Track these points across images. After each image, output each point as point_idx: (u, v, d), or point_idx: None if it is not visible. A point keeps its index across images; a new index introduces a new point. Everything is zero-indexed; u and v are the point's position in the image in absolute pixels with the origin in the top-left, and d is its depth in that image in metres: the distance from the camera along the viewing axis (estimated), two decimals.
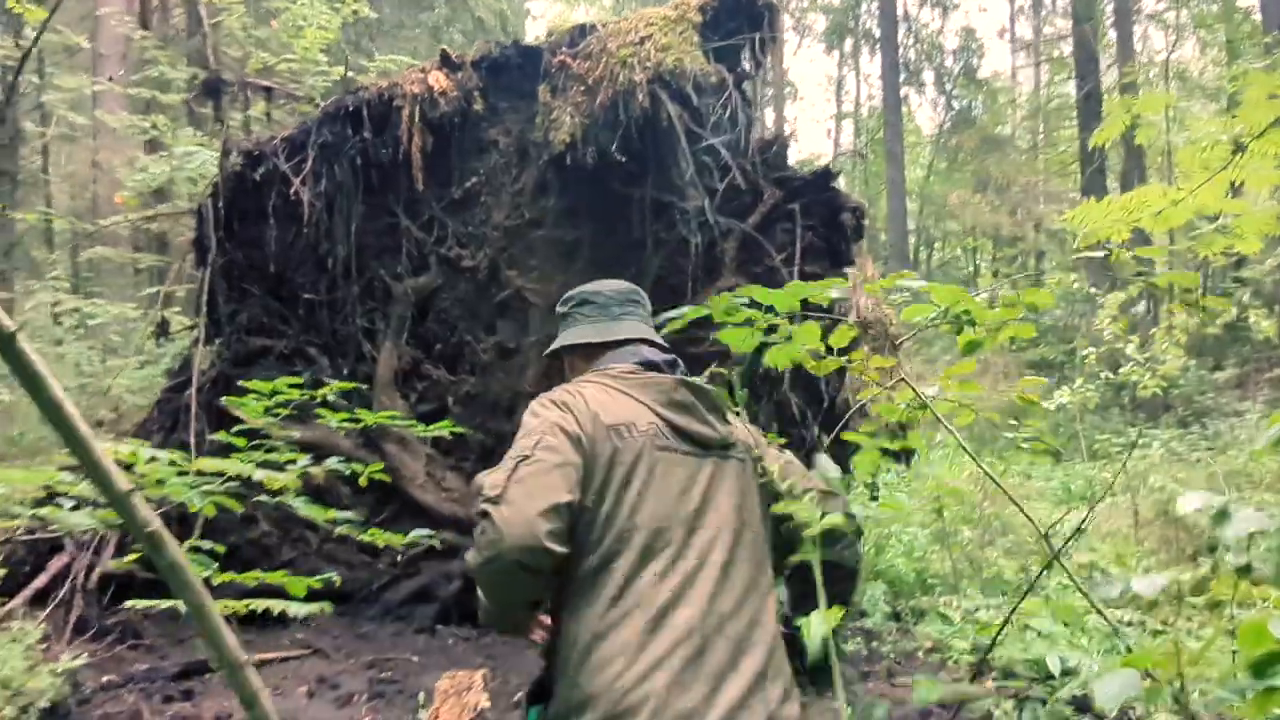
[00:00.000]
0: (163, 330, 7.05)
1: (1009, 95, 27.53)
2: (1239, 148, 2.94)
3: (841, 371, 6.43)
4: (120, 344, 9.22)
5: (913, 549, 7.01)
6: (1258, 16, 18.31)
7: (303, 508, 2.70)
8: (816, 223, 6.52)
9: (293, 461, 2.91)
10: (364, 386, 6.99)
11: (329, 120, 6.72)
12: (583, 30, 6.50)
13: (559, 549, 1.60)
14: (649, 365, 1.94)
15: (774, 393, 6.50)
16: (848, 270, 6.48)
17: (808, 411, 6.45)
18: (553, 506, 1.60)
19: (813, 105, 61.38)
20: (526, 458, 1.65)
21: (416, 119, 6.52)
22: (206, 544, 2.60)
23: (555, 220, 6.68)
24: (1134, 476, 7.85)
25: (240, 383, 6.93)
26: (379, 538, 2.87)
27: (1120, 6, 19.04)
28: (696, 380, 1.92)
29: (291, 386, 6.46)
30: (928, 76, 27.19)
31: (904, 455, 6.91)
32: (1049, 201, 22.69)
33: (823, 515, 1.61)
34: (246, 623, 3.41)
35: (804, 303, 6.54)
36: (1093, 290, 8.89)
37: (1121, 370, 7.06)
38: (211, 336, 6.97)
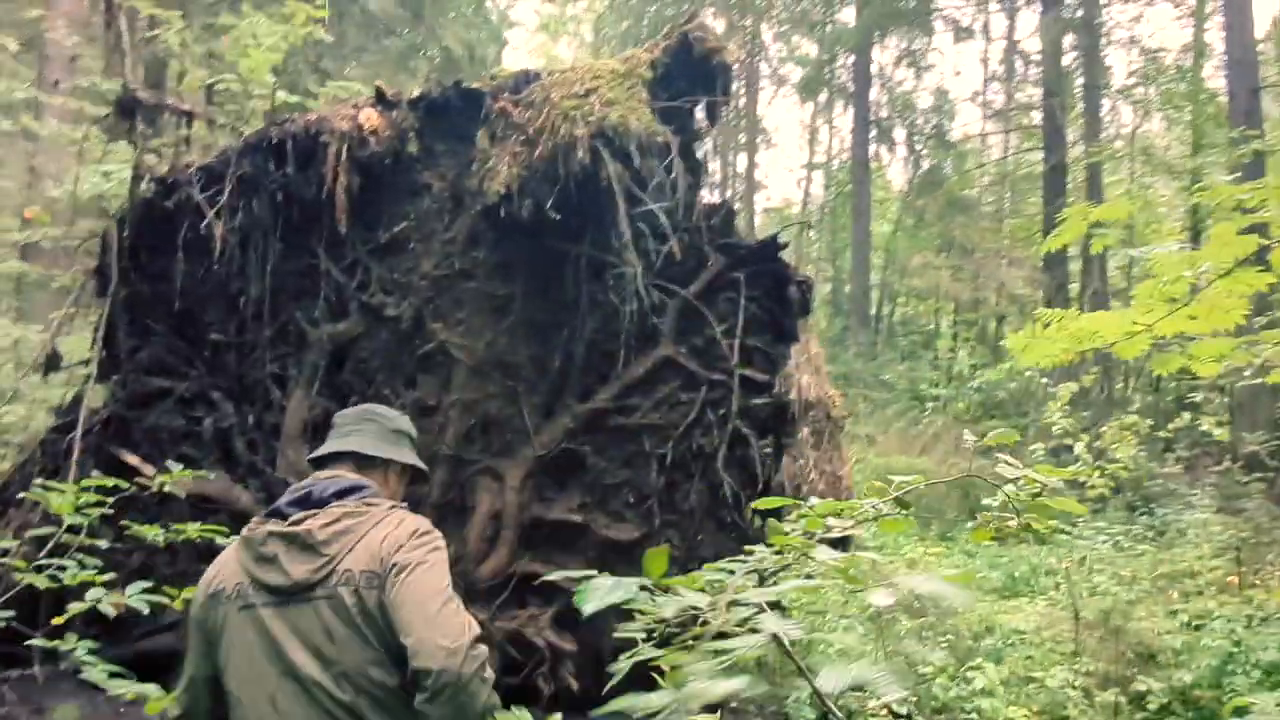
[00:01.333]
0: (52, 364, 6.53)
1: (977, 159, 27.72)
2: (1195, 288, 2.63)
3: (778, 453, 6.09)
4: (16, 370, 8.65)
5: (846, 649, 6.62)
6: (1224, 99, 18.57)
7: None
8: (761, 294, 6.19)
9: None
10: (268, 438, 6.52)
11: (250, 151, 6.29)
12: (527, 77, 6.16)
13: None
14: (270, 513, 2.02)
15: (707, 471, 6.12)
16: (791, 346, 6.15)
17: (741, 494, 6.07)
18: None
19: (787, 153, 61.92)
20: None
21: (344, 157, 6.11)
22: None
23: (487, 273, 6.28)
24: (1077, 571, 7.56)
25: (136, 425, 6.46)
26: None
27: (1090, 81, 19.22)
28: (295, 524, 1.94)
29: (186, 434, 5.92)
30: (899, 134, 27.32)
31: (840, 542, 6.57)
32: (1012, 267, 22.75)
33: (410, 661, 1.79)
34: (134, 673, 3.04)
35: (743, 380, 6.07)
36: (1045, 381, 8.65)
37: (1070, 469, 6.75)
38: (107, 373, 6.45)
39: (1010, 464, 1.69)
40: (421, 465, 2.30)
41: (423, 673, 1.77)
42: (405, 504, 2.11)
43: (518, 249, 6.20)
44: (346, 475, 2.10)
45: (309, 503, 2.00)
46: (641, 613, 1.49)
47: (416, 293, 6.38)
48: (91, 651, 2.74)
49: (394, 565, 1.88)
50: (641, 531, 6.16)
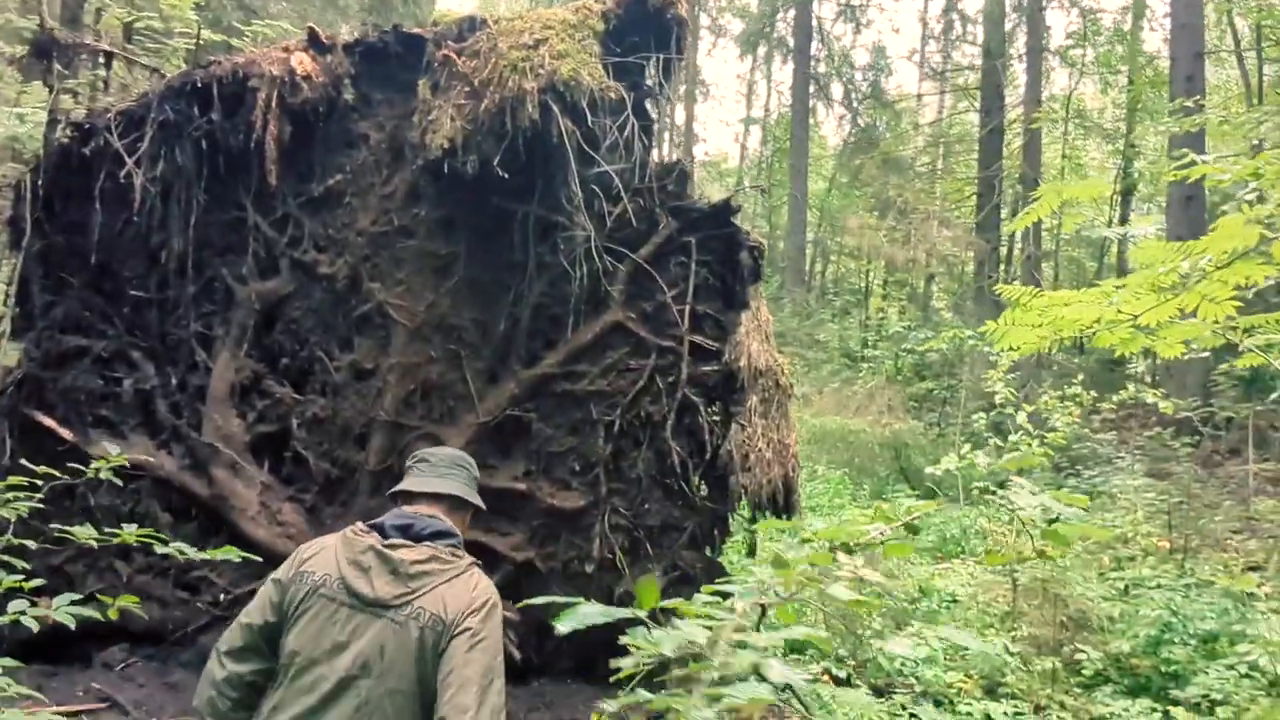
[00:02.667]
0: None
1: (913, 118, 27.89)
2: (1185, 281, 2.58)
3: (726, 421, 6.03)
4: None
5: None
6: (1161, 62, 18.87)
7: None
8: (713, 259, 6.07)
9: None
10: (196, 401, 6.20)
11: (172, 96, 5.86)
12: (472, 24, 5.84)
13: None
14: (374, 526, 2.33)
15: (655, 439, 6.02)
16: (741, 313, 6.05)
17: (689, 461, 6.00)
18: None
19: (723, 105, 61.57)
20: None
21: (274, 103, 5.74)
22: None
23: (428, 231, 6.01)
24: (1012, 534, 7.71)
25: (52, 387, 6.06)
26: (212, 554, 2.75)
27: (1032, 45, 19.35)
28: (394, 549, 2.26)
29: (106, 396, 5.56)
30: (836, 90, 27.29)
31: (785, 511, 6.56)
32: (944, 228, 23.04)
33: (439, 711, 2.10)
34: (39, 659, 2.81)
35: (693, 347, 5.94)
36: (987, 351, 8.73)
37: (1010, 439, 6.86)
38: (21, 331, 6.02)
39: (1023, 488, 1.60)
40: (483, 506, 2.57)
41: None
42: (479, 563, 2.41)
43: (461, 206, 5.94)
44: (441, 518, 2.40)
45: (409, 533, 2.31)
46: (636, 647, 1.37)
47: (352, 250, 6.08)
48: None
49: (463, 629, 2.19)
50: (587, 500, 6.05)
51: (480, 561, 2.40)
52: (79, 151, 6.02)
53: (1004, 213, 20.64)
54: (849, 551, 1.66)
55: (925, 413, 13.78)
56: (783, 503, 5.96)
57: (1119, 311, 2.60)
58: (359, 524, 2.36)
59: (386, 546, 2.27)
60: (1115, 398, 7.68)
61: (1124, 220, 20.27)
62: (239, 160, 5.93)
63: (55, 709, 5.11)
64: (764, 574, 1.82)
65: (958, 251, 23.20)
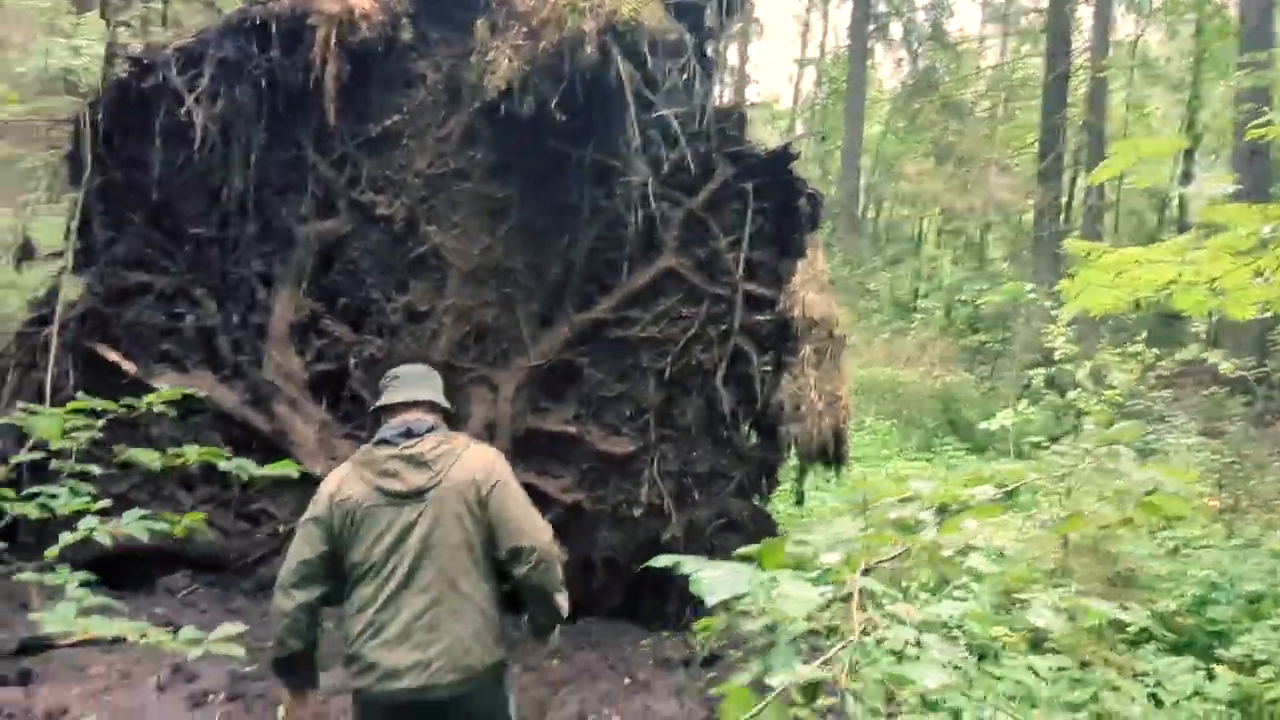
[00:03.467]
0: (26, 253, 6.20)
1: (974, 62, 26.99)
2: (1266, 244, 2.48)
3: (778, 370, 5.98)
4: None
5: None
6: (1230, 11, 18.04)
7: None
8: (769, 206, 5.97)
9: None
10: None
11: (232, 33, 5.86)
12: None
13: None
14: (380, 441, 2.77)
15: (705, 387, 6.01)
16: (797, 261, 5.96)
17: (739, 410, 5.98)
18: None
19: (777, 45, 60.12)
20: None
21: (333, 42, 5.71)
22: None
23: (484, 174, 5.99)
24: (1062, 490, 7.61)
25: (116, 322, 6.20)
26: (270, 470, 2.86)
27: None
28: (410, 448, 2.71)
29: (168, 332, 5.62)
30: (895, 31, 26.45)
31: (835, 461, 6.54)
32: (1003, 175, 22.42)
33: (509, 542, 2.69)
34: (104, 585, 2.94)
35: (747, 295, 5.88)
36: (1047, 305, 8.52)
37: (1069, 395, 6.72)
38: (82, 266, 6.14)
39: (1128, 460, 1.56)
40: (451, 408, 3.04)
41: (526, 549, 2.68)
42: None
43: (517, 149, 5.90)
44: (425, 417, 2.84)
45: (411, 435, 2.76)
46: (747, 610, 1.36)
47: (409, 192, 6.09)
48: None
49: (495, 482, 2.73)
50: (637, 445, 6.08)
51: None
52: (137, 87, 6.06)
53: (1066, 161, 20.02)
54: (943, 511, 1.64)
55: (977, 366, 13.56)
56: (832, 453, 5.93)
57: (1197, 273, 2.51)
58: (362, 449, 2.81)
59: (403, 450, 2.72)
60: (1178, 356, 7.47)
61: (1187, 175, 19.54)
62: (298, 99, 5.93)
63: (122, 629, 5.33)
64: (843, 527, 1.80)
65: (1016, 200, 22.60)
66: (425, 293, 6.14)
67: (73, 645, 5.24)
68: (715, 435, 6.07)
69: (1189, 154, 19.76)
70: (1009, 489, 2.02)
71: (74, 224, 5.99)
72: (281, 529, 6.19)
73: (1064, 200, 21.21)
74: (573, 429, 6.17)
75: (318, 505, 2.72)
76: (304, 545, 2.69)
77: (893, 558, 1.63)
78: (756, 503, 6.15)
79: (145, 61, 5.98)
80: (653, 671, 5.57)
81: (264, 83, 5.91)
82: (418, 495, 2.68)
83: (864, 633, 1.49)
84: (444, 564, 2.65)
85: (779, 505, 6.74)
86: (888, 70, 29.52)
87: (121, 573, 5.79)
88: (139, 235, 6.16)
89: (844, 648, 1.30)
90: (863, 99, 22.12)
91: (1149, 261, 2.84)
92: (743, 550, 1.69)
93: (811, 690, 1.35)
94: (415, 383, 2.92)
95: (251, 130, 5.99)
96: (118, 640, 5.70)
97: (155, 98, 5.94)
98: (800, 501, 6.44)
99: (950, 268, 18.54)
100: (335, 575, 2.71)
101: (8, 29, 10.81)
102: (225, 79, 5.90)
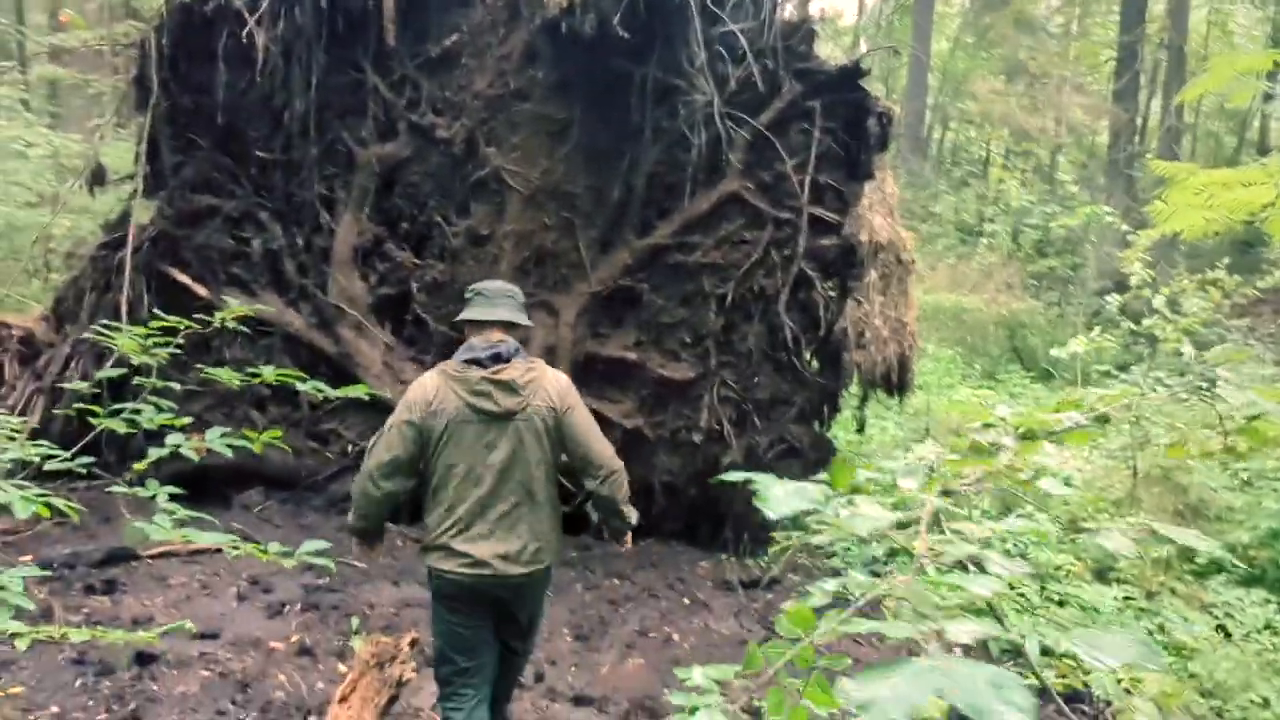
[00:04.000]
0: (98, 178, 6.30)
1: None
2: None
3: (843, 296, 5.88)
4: (68, 177, 8.43)
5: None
6: None
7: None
8: (837, 126, 5.79)
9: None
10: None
11: None
12: None
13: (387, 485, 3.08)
14: (470, 361, 3.05)
15: (767, 313, 5.94)
16: (865, 184, 5.80)
17: (802, 336, 5.91)
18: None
19: None
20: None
21: None
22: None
23: (543, 94, 5.89)
24: (1133, 420, 7.44)
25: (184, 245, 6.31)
26: (343, 391, 3.01)
27: None
28: (500, 373, 3.02)
29: (236, 255, 5.73)
30: None
31: (898, 389, 6.46)
32: (1076, 95, 21.44)
33: (582, 459, 3.09)
34: (183, 500, 3.08)
35: (812, 219, 5.75)
36: (1125, 230, 8.18)
37: (1145, 322, 6.48)
38: (152, 190, 6.24)
39: (1230, 384, 1.48)
40: (530, 324, 3.35)
41: (596, 465, 3.08)
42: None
43: (578, 68, 5.78)
44: (508, 338, 3.13)
45: (500, 359, 3.05)
46: (824, 524, 1.35)
47: (469, 113, 6.03)
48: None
49: (568, 407, 3.07)
50: (697, 372, 6.07)
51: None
52: (200, 10, 6.04)
53: (1143, 80, 19.06)
54: (1030, 438, 1.59)
55: (1044, 292, 13.19)
56: (896, 381, 5.86)
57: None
58: (453, 362, 3.09)
59: (494, 374, 3.02)
60: (1260, 283, 7.15)
61: (1269, 96, 18.45)
62: (357, 20, 5.88)
63: (204, 546, 5.55)
64: (925, 451, 1.76)
65: (1090, 121, 21.65)
66: (486, 216, 6.12)
67: (155, 556, 5.49)
68: (776, 361, 6.02)
69: (1270, 75, 18.64)
70: (1099, 414, 1.94)
71: (142, 149, 6.06)
72: (350, 449, 6.35)
73: (1140, 121, 20.27)
74: (633, 354, 6.17)
75: (413, 411, 3.04)
76: (396, 443, 3.04)
77: (972, 482, 1.59)
78: (817, 429, 6.13)
79: None
80: (711, 592, 5.65)
81: (323, 3, 5.85)
82: (507, 416, 3.02)
83: (933, 552, 1.46)
84: (523, 476, 3.04)
85: (840, 432, 6.70)
86: None
87: (200, 489, 6.00)
88: (206, 159, 6.22)
89: (908, 566, 1.28)
90: (931, 13, 21.21)
91: (1242, 184, 2.69)
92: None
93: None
94: (497, 301, 3.16)
95: (312, 52, 5.96)
96: (198, 552, 5.91)
97: (218, 20, 5.93)
98: (861, 429, 6.39)
99: (1018, 191, 17.89)
100: (415, 474, 3.08)
101: None
102: (285, 1, 5.85)
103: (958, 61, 23.66)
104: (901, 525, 1.36)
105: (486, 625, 3.23)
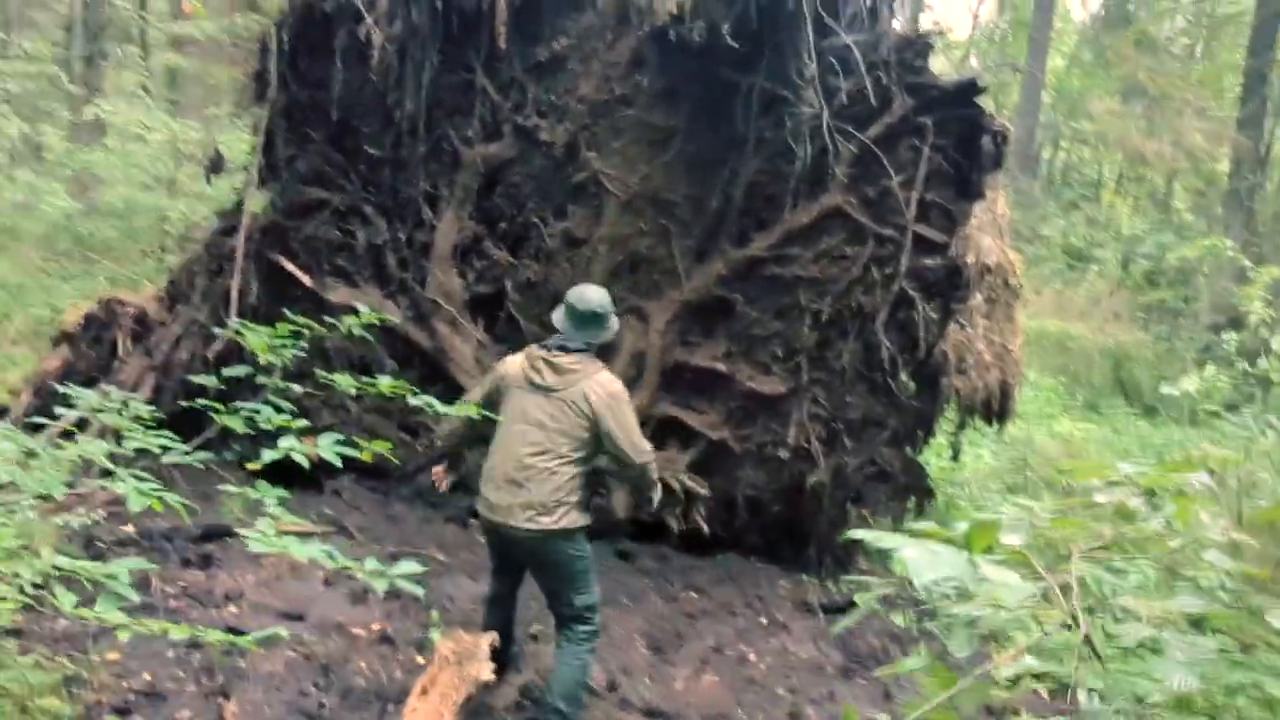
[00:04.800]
0: (215, 166, 6.56)
1: None
2: None
3: (945, 318, 5.71)
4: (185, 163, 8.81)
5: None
6: None
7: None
8: (949, 143, 5.62)
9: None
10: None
11: None
12: None
13: None
14: (543, 344, 3.76)
15: (864, 331, 5.80)
16: (975, 204, 5.62)
17: (899, 358, 5.75)
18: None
19: None
20: None
21: None
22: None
23: (648, 101, 5.88)
24: (1241, 468, 7.02)
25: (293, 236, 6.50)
26: (455, 410, 3.50)
27: None
28: (555, 357, 3.66)
29: (341, 247, 5.85)
30: None
31: (997, 415, 6.23)
32: (1197, 120, 20.47)
33: (614, 452, 3.68)
34: (274, 481, 3.22)
35: (917, 238, 5.60)
36: (1246, 265, 7.74)
37: (1261, 364, 6.11)
38: (266, 181, 6.45)
39: None
40: (607, 338, 3.91)
41: (625, 458, 3.66)
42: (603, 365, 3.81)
43: (684, 77, 5.76)
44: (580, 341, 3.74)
45: (563, 350, 3.67)
46: (965, 595, 1.27)
47: (573, 117, 6.06)
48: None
49: (606, 404, 3.58)
50: (787, 386, 5.96)
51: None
52: (321, 7, 6.21)
53: (1269, 108, 18.06)
54: (1152, 496, 1.48)
55: (1153, 324, 12.60)
56: (996, 409, 5.65)
57: None
58: (534, 345, 3.78)
59: (550, 356, 3.66)
60: None
61: None
62: (471, 22, 5.97)
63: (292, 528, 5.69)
64: (1034, 506, 1.67)
65: (1210, 148, 20.65)
66: (583, 220, 6.15)
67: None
68: (871, 381, 5.87)
69: None
70: (1220, 475, 1.80)
71: (259, 141, 6.27)
72: (439, 444, 6.44)
73: (1264, 151, 19.23)
74: (722, 365, 6.10)
75: (497, 370, 3.95)
76: (477, 390, 4.12)
77: (1103, 546, 1.48)
78: (909, 453, 5.96)
79: None
80: (790, 613, 5.54)
81: (439, 3, 5.96)
82: (547, 390, 3.62)
83: (1067, 626, 1.37)
84: (546, 444, 3.59)
85: (932, 458, 6.50)
86: (1075, 1, 27.31)
87: (292, 473, 6.18)
88: (318, 153, 6.40)
89: (1062, 641, 1.19)
90: (1048, 30, 20.57)
91: None
92: (924, 528, 1.59)
93: (1017, 679, 1.25)
94: (572, 322, 3.77)
95: (426, 52, 6.07)
96: (290, 534, 6.06)
97: (337, 18, 6.09)
98: (956, 456, 6.18)
99: (1131, 217, 17.16)
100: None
101: None
102: (403, 0, 5.98)
103: (1073, 79, 22.89)
104: (1039, 596, 1.27)
105: (506, 569, 3.95)
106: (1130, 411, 10.20)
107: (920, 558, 1.29)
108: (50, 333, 6.78)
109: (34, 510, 4.86)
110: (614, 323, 3.90)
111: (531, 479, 3.58)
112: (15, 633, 4.03)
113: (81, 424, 3.96)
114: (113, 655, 4.08)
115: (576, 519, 3.68)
